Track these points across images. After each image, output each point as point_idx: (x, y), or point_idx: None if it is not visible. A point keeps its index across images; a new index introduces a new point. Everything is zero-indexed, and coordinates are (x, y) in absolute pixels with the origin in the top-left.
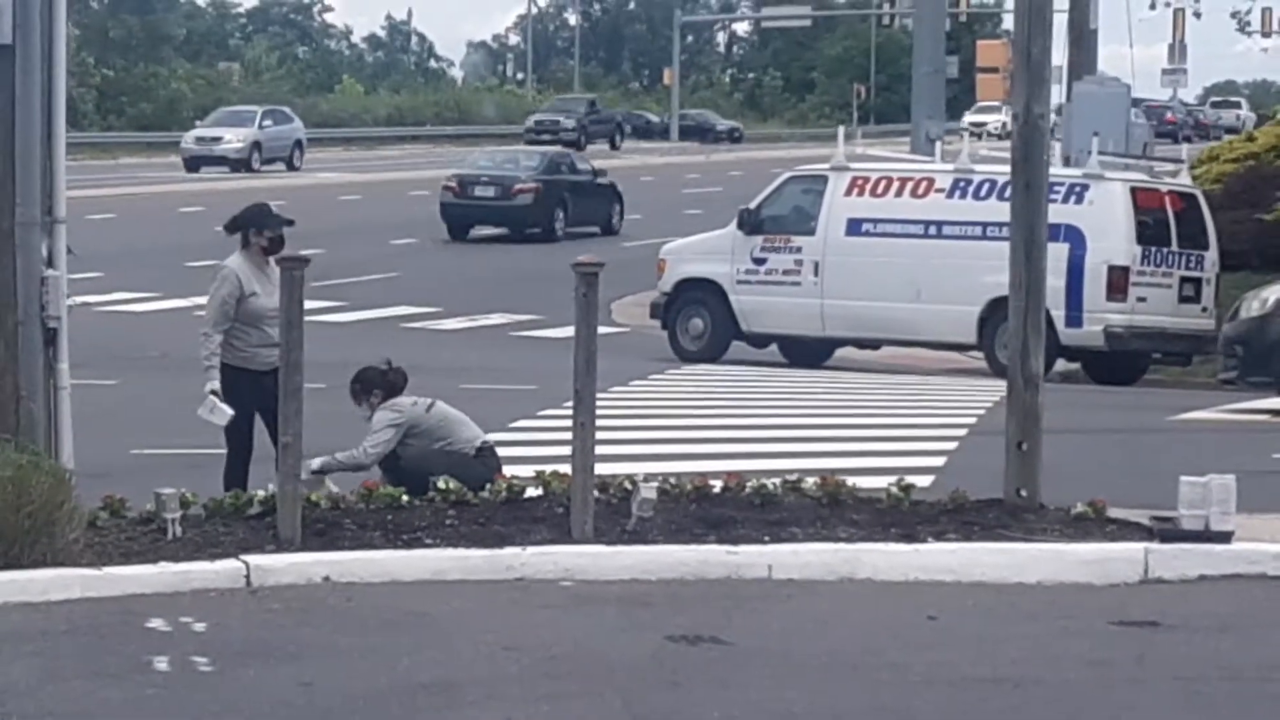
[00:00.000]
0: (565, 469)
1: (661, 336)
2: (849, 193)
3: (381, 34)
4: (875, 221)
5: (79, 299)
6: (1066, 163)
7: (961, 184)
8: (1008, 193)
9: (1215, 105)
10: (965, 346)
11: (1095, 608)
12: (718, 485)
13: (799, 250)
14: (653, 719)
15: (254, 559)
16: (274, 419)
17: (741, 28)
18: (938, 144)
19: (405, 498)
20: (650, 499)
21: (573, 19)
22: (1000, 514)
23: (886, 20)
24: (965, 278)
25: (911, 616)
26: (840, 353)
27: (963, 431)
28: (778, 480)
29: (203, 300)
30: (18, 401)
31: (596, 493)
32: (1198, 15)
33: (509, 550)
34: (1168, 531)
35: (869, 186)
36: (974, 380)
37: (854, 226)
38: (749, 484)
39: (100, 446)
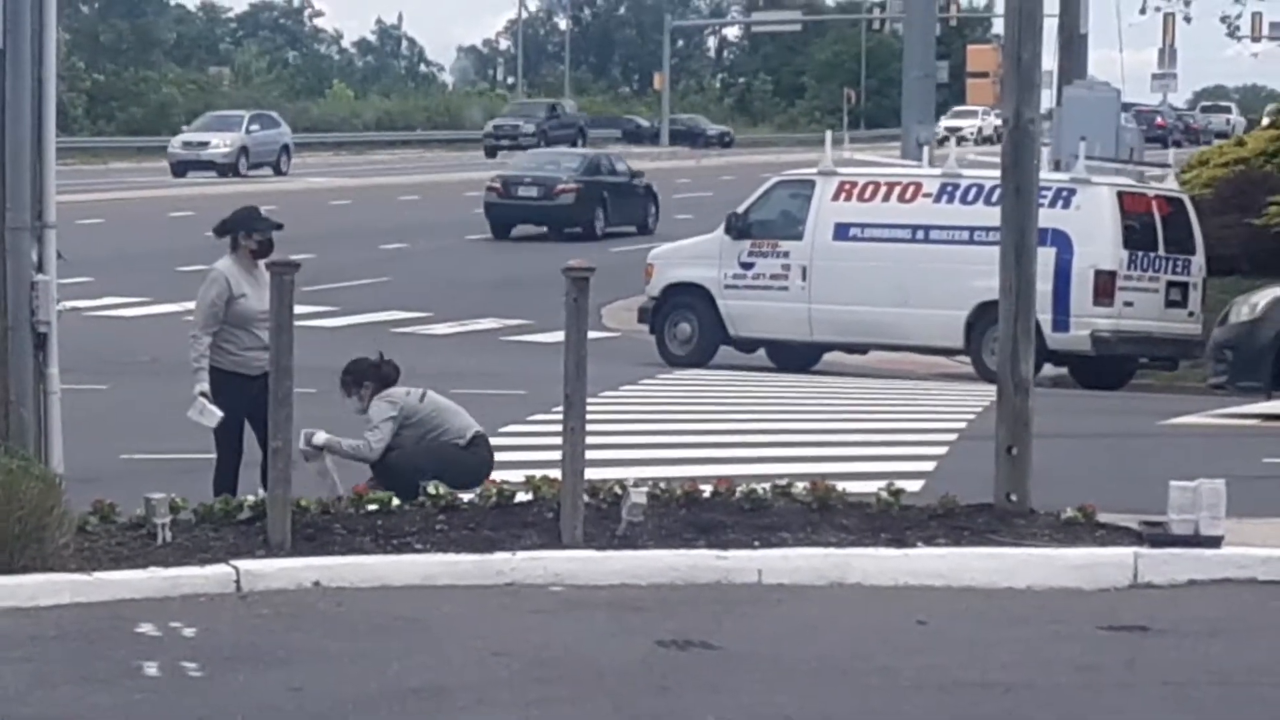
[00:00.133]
0: (555, 474)
1: (652, 341)
2: (836, 197)
3: (372, 38)
4: (863, 226)
5: (69, 304)
6: (1057, 167)
7: (949, 189)
8: (995, 197)
9: (1205, 110)
10: (952, 351)
11: (1085, 612)
12: (708, 490)
13: (787, 255)
14: None
15: (244, 564)
16: (264, 425)
17: (732, 32)
18: (925, 149)
19: (395, 502)
20: (640, 504)
21: (563, 23)
22: (990, 519)
23: (877, 25)
24: (952, 282)
25: (901, 621)
26: (828, 357)
27: (952, 436)
28: (768, 485)
29: (193, 305)
30: (7, 407)
31: (586, 498)
32: (1188, 20)
33: (499, 555)
34: (1157, 536)
35: (856, 191)
36: (963, 385)
37: (841, 231)
38: (739, 489)
39: (90, 451)
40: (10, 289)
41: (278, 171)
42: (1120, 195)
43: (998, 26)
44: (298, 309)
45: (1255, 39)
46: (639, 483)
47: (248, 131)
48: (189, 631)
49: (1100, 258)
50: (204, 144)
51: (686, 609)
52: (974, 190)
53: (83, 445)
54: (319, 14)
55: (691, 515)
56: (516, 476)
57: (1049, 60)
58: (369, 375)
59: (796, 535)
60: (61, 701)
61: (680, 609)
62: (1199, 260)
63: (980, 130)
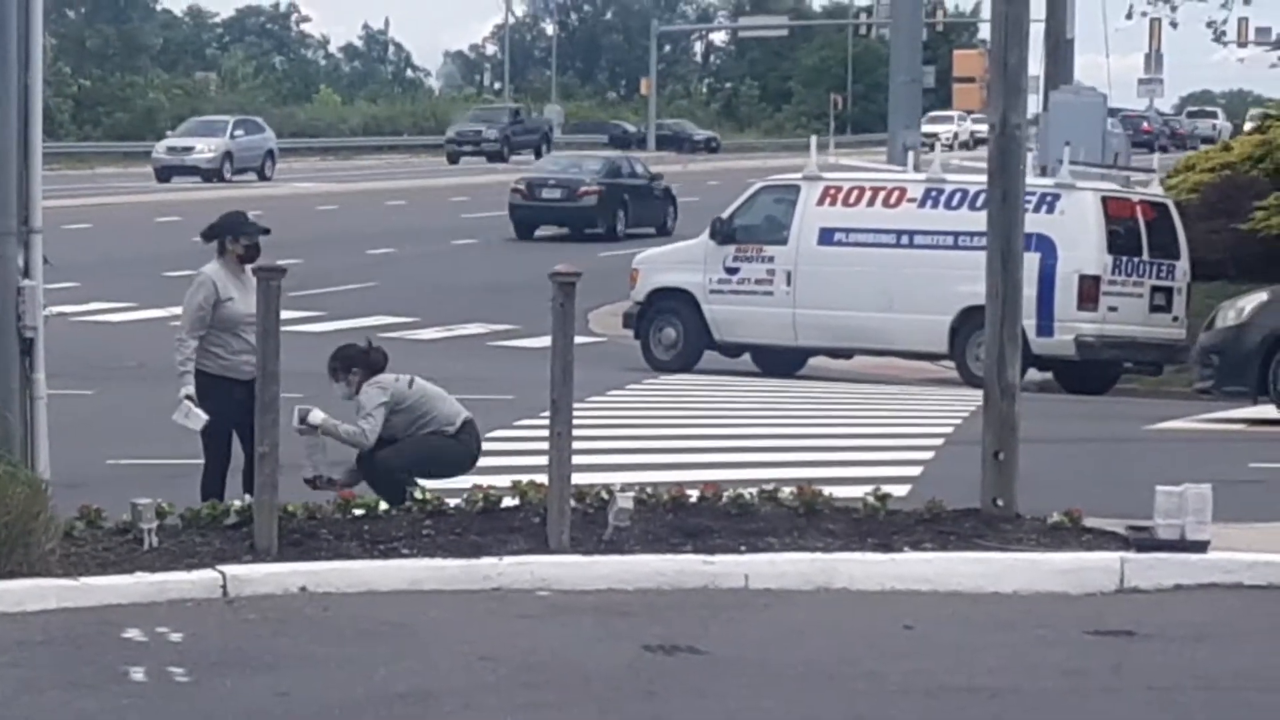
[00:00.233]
0: (542, 479)
1: (638, 346)
2: (821, 202)
3: (359, 44)
4: (847, 231)
5: (55, 309)
6: (1043, 173)
7: (933, 194)
8: (979, 202)
9: (1191, 115)
10: (937, 356)
11: (1071, 617)
12: (694, 495)
13: (771, 260)
14: None
15: (230, 569)
16: (251, 432)
17: (718, 37)
18: (910, 153)
19: (382, 507)
20: (627, 509)
21: (550, 29)
22: (977, 524)
23: (863, 30)
24: (937, 287)
25: (888, 626)
26: (813, 362)
27: (939, 441)
28: (754, 490)
29: (179, 309)
30: None
31: (573, 502)
32: (1174, 25)
33: (486, 560)
34: (1144, 541)
35: (841, 196)
36: (950, 390)
37: (826, 236)
38: (726, 494)
39: (76, 457)
40: None
41: (262, 177)
42: (1104, 200)
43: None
44: (284, 314)
45: (1241, 44)
46: (626, 488)
47: (232, 137)
48: (176, 637)
49: (1084, 263)
50: (188, 149)
51: (673, 614)
52: (958, 195)
53: (69, 450)
54: (306, 19)
55: (678, 520)
56: (503, 481)
57: (1035, 65)
58: (357, 361)
59: (783, 540)
60: (48, 707)
61: (667, 614)
62: (1183, 265)
63: (956, 135)
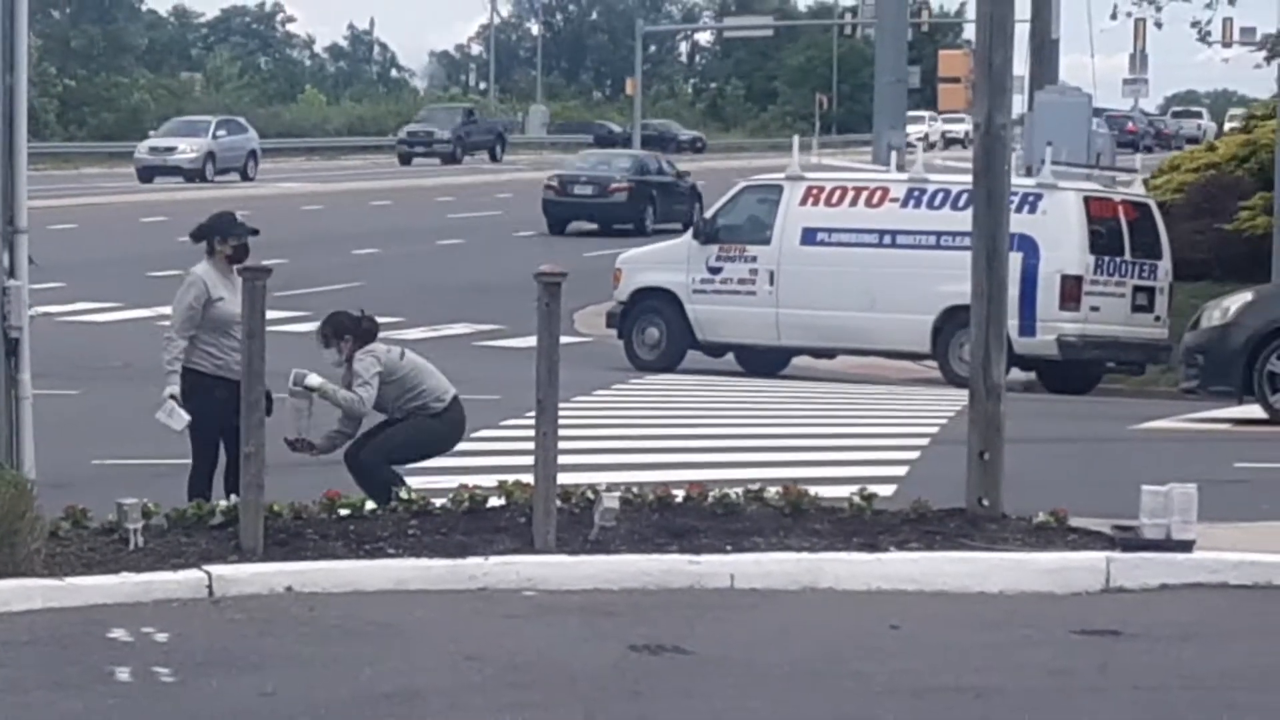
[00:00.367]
0: (528, 479)
1: (621, 346)
2: (804, 202)
3: (344, 44)
4: (830, 231)
5: (40, 309)
6: (1028, 173)
7: (916, 193)
8: (962, 202)
9: (1176, 115)
10: (920, 355)
11: (1057, 617)
12: (680, 495)
13: (754, 259)
14: None
15: (216, 569)
16: (235, 433)
17: (704, 38)
18: (894, 153)
19: (368, 507)
20: (613, 509)
21: (535, 29)
22: (962, 523)
23: (848, 30)
24: (920, 287)
25: (874, 626)
26: (796, 361)
27: (925, 441)
28: (740, 490)
29: (165, 309)
30: None
31: (559, 502)
32: (1159, 25)
33: (471, 560)
34: (1129, 540)
35: (824, 196)
36: (935, 390)
37: (809, 236)
38: (711, 494)
39: (62, 457)
40: None
41: (245, 177)
42: (1086, 200)
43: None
44: (270, 314)
45: (1226, 44)
46: (611, 487)
47: (214, 137)
48: (161, 637)
49: (1066, 263)
50: (171, 149)
51: (659, 614)
52: (941, 195)
53: (54, 450)
54: (291, 19)
55: (664, 520)
56: (489, 481)
57: (1020, 65)
58: (350, 328)
59: (769, 540)
60: (33, 707)
61: (652, 614)
62: (1166, 265)
63: (927, 136)
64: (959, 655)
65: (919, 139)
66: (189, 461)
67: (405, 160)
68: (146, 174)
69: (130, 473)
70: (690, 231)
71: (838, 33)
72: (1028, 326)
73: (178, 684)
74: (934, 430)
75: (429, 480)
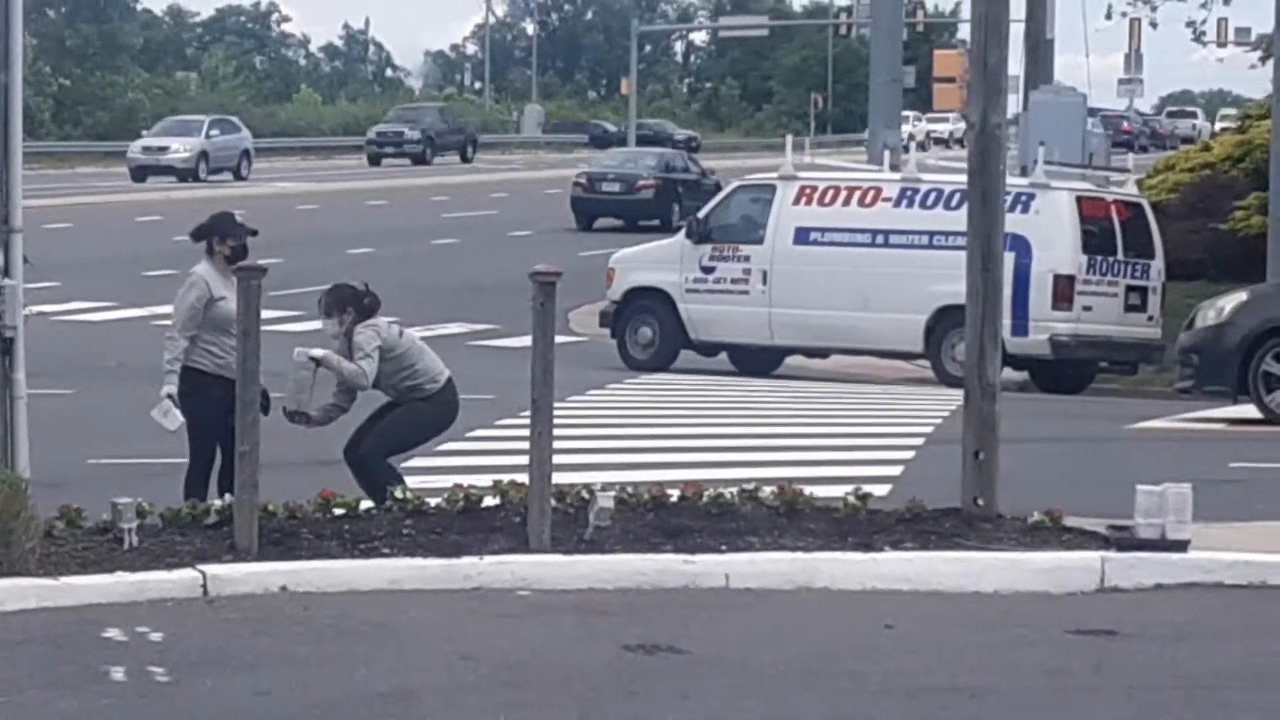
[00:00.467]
0: (523, 478)
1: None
2: (797, 202)
3: (339, 43)
4: (823, 230)
5: (36, 308)
6: (1024, 173)
7: (908, 193)
8: (954, 202)
9: (1171, 115)
10: (912, 355)
11: (1052, 616)
12: (675, 495)
13: (747, 259)
14: None
15: (211, 568)
16: (229, 433)
17: (699, 37)
18: (887, 153)
19: (363, 506)
20: (608, 508)
21: (530, 28)
22: (957, 523)
23: (844, 30)
24: (912, 286)
25: (869, 625)
26: (790, 361)
27: (920, 441)
28: (735, 490)
29: (160, 309)
30: None
31: (554, 502)
32: (1154, 25)
33: (466, 560)
34: (1124, 540)
35: (817, 195)
36: (929, 389)
37: (802, 235)
38: (706, 493)
39: (56, 456)
40: None
41: (238, 176)
42: (1079, 200)
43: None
44: (265, 313)
45: (1221, 44)
46: (606, 487)
47: (207, 136)
48: (156, 636)
49: (1059, 262)
50: (164, 149)
51: (654, 613)
52: (933, 195)
53: (49, 450)
54: (286, 19)
55: (659, 520)
56: (484, 481)
57: (1015, 65)
58: (352, 301)
59: (764, 540)
60: (28, 706)
61: (647, 613)
62: (1158, 265)
63: (913, 136)
64: (954, 655)
65: (904, 138)
66: (184, 461)
67: (374, 161)
68: (140, 173)
69: (125, 472)
70: (683, 231)
71: (833, 32)
72: (1020, 326)
73: (172, 684)
74: (929, 430)
75: (424, 480)
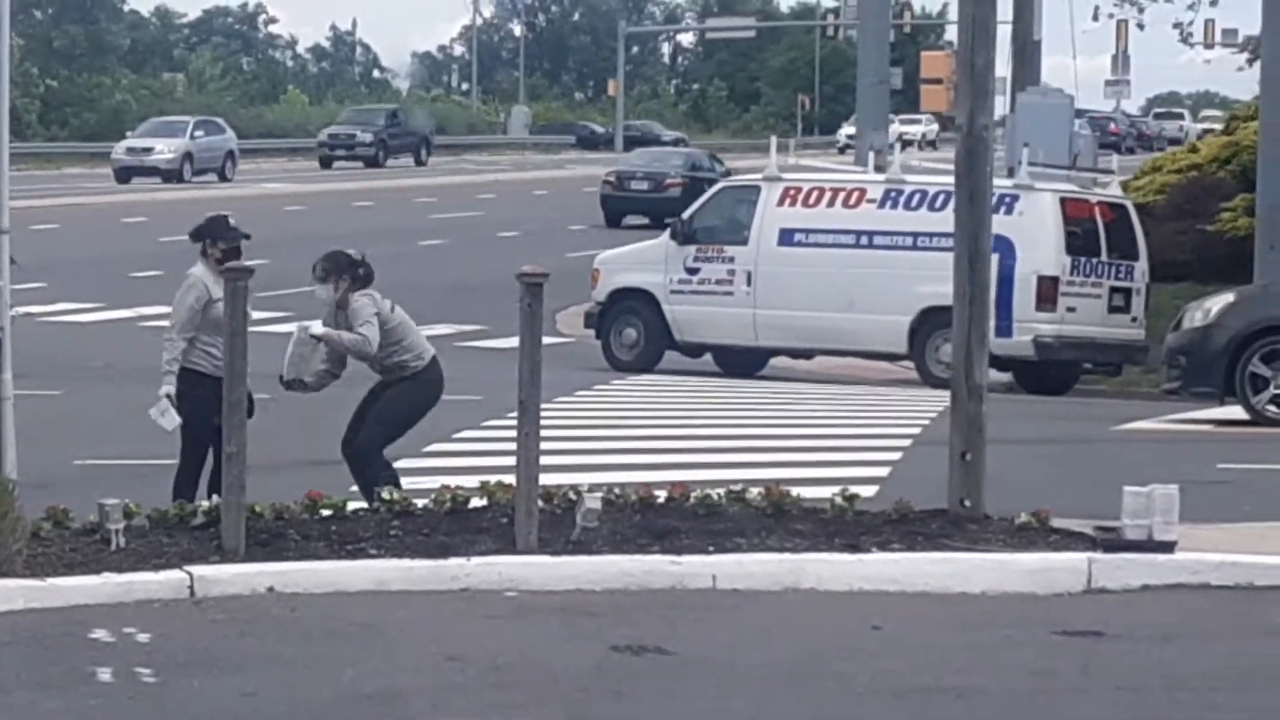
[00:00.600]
0: (510, 479)
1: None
2: (781, 203)
3: (326, 44)
4: (807, 232)
5: (22, 309)
6: (1010, 174)
7: (893, 194)
8: (938, 203)
9: (1158, 116)
10: (896, 356)
11: (1039, 617)
12: (662, 496)
13: (732, 260)
14: None
15: (198, 569)
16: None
17: (686, 39)
18: (872, 154)
19: (350, 507)
20: (595, 509)
21: (517, 30)
22: (944, 524)
23: (831, 31)
24: (897, 288)
25: (856, 626)
26: (775, 362)
27: (907, 442)
28: (722, 490)
29: (147, 310)
30: None
31: (541, 503)
32: (1141, 27)
33: (453, 561)
34: (1111, 541)
35: (801, 197)
36: (916, 390)
37: (786, 236)
38: (693, 494)
39: (43, 457)
40: None
41: (223, 178)
42: (1063, 201)
43: (951, 33)
44: (254, 314)
45: (1208, 46)
46: (593, 488)
47: (192, 137)
48: (143, 637)
49: (1043, 263)
50: (148, 150)
51: (641, 614)
52: (918, 196)
53: (36, 451)
54: (273, 20)
55: (646, 521)
56: (471, 482)
57: (1002, 67)
58: (348, 269)
59: (751, 540)
60: (15, 707)
61: (634, 614)
62: (1142, 266)
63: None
64: (940, 656)
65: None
66: (171, 462)
67: (325, 164)
68: (124, 174)
69: (112, 473)
70: (668, 232)
71: (820, 34)
72: (1004, 327)
73: (159, 684)
74: (916, 431)
75: (411, 481)
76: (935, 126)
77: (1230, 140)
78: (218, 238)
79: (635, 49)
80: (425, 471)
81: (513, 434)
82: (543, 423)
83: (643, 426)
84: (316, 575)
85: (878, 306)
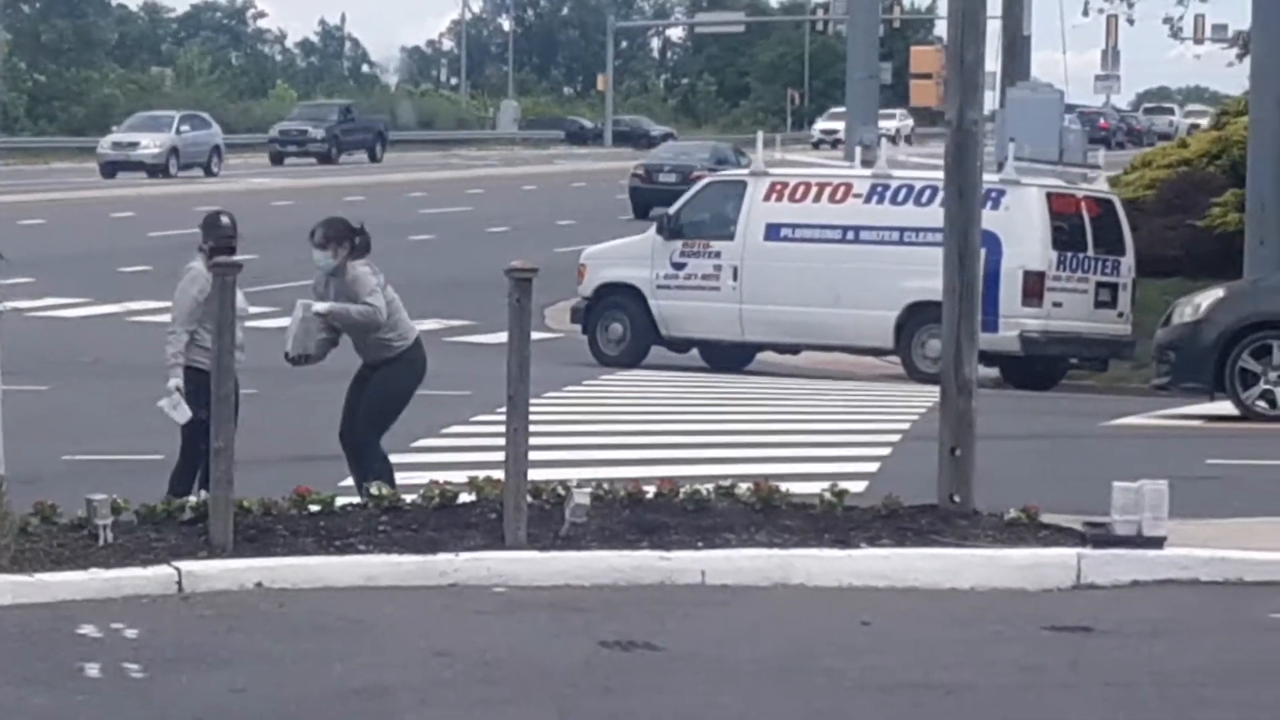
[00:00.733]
0: (499, 475)
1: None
2: (768, 198)
3: (315, 39)
4: (794, 226)
5: (9, 304)
6: (1000, 169)
7: (879, 189)
8: (925, 198)
9: (1148, 111)
10: (882, 351)
11: (1028, 613)
12: (651, 491)
13: (718, 255)
14: None
15: (186, 565)
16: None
17: (675, 33)
18: (859, 149)
19: (338, 503)
20: (584, 505)
21: (506, 25)
22: (934, 520)
23: (820, 26)
24: (883, 282)
25: (845, 622)
26: (762, 357)
27: (896, 437)
28: (711, 486)
29: (135, 305)
30: None
31: (530, 498)
32: (1130, 22)
33: (442, 556)
34: (1100, 537)
35: (788, 192)
36: (906, 386)
37: (773, 231)
38: (682, 490)
39: (31, 452)
40: None
41: (208, 172)
42: (1049, 196)
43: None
44: (249, 309)
45: (1198, 41)
46: (582, 483)
47: (178, 132)
48: (131, 633)
49: (1029, 258)
50: (134, 144)
51: (630, 610)
52: (904, 191)
53: (24, 446)
54: (262, 14)
55: (635, 516)
56: (460, 477)
57: (992, 62)
58: (348, 236)
59: (740, 536)
60: (2, 703)
61: (623, 610)
62: (1129, 261)
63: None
64: (930, 651)
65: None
66: (159, 458)
67: (277, 160)
68: (109, 169)
69: (100, 468)
70: (654, 227)
71: (809, 29)
72: (990, 322)
73: (147, 680)
74: (905, 426)
75: (400, 476)
76: (910, 121)
77: (1220, 135)
78: (207, 235)
79: (624, 44)
80: (414, 467)
81: (501, 429)
82: (531, 418)
83: (631, 422)
84: (305, 571)
85: (864, 301)
